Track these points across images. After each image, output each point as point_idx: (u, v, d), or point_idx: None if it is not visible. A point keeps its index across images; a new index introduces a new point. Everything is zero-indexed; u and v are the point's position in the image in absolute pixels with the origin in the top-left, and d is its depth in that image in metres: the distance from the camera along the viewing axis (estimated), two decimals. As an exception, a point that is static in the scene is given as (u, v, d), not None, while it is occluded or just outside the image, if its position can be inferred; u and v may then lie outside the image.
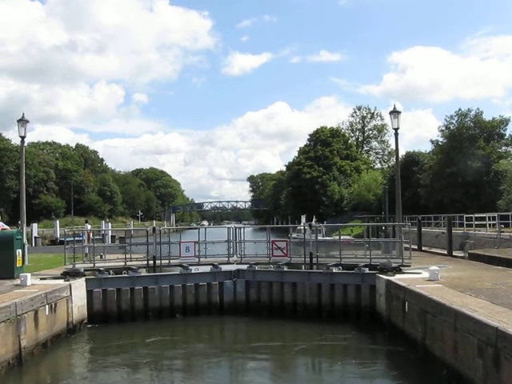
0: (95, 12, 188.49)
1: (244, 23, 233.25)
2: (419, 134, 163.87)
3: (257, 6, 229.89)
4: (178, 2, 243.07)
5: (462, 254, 19.99)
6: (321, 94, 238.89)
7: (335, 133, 79.85)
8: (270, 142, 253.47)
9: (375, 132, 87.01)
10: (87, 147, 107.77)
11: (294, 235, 24.71)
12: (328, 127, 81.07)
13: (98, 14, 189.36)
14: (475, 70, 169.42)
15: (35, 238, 39.70)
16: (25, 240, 18.50)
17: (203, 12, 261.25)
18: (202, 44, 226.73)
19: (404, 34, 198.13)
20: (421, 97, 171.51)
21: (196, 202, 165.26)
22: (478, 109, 42.59)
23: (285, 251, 16.60)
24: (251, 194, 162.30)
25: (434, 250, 23.45)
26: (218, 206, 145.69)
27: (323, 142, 77.57)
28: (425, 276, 12.78)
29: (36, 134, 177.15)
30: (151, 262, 16.31)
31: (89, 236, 20.92)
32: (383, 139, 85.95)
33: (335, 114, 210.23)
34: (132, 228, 50.63)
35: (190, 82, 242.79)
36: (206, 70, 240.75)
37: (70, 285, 13.21)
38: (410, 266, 14.87)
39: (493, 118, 42.98)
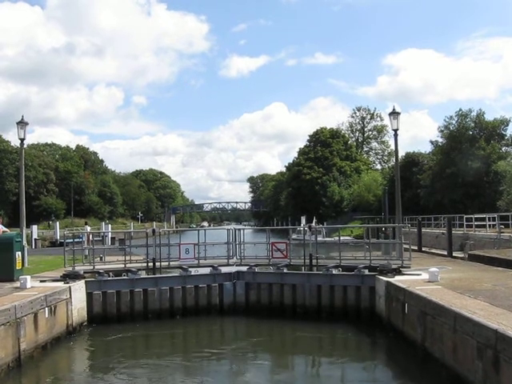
0: (94, 16, 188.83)
1: (240, 27, 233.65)
2: (415, 133, 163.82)
3: (252, 11, 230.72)
4: (175, 7, 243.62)
5: (462, 255, 20.00)
6: (317, 96, 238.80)
7: (335, 134, 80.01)
8: (268, 143, 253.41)
9: (375, 133, 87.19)
10: (87, 149, 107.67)
11: (294, 236, 24.71)
12: (328, 128, 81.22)
13: (97, 18, 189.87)
14: (469, 71, 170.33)
15: (35, 239, 39.71)
16: (24, 242, 18.50)
17: (200, 16, 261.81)
18: (199, 47, 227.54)
19: (398, 37, 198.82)
20: (415, 98, 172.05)
21: (196, 203, 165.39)
22: (479, 109, 42.70)
23: (284, 253, 16.61)
24: (251, 194, 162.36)
25: (434, 250, 23.49)
26: (218, 207, 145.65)
27: (323, 143, 77.72)
28: (424, 277, 12.76)
29: (36, 135, 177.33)
30: (151, 264, 16.32)
31: (88, 238, 20.90)
32: (383, 140, 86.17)
33: (332, 115, 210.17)
34: (132, 230, 50.79)
35: (189, 85, 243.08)
36: (204, 72, 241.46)
37: (70, 287, 13.20)
38: (409, 267, 14.86)
39: (494, 119, 43.02)
